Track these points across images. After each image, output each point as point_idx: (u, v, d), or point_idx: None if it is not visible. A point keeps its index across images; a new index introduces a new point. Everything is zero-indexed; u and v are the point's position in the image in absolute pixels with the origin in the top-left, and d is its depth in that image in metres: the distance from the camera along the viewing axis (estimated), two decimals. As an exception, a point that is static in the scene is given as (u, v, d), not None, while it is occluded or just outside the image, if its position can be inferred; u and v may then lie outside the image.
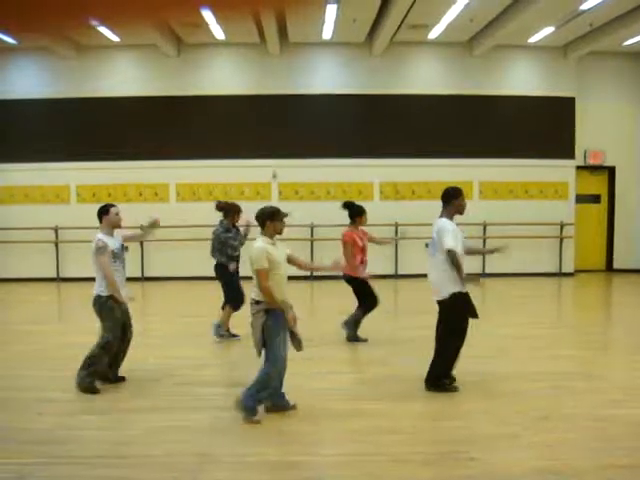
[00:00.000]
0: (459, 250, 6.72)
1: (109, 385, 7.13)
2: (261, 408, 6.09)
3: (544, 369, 7.80)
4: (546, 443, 5.47)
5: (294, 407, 6.27)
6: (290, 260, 6.29)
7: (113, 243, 7.17)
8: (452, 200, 6.87)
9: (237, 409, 5.95)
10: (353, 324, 9.20)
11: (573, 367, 7.97)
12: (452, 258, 6.59)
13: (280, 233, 6.18)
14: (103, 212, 7.23)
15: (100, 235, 7.12)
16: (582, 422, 5.99)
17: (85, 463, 5.13)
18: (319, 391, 6.96)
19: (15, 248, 16.06)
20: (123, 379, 7.33)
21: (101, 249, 6.99)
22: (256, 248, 5.98)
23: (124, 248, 7.39)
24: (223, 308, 9.46)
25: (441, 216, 6.89)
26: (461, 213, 6.94)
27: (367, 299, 9.16)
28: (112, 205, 7.34)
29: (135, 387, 7.14)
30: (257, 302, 6.01)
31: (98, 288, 7.04)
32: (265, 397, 6.04)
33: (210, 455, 5.31)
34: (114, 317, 7.03)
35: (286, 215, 6.21)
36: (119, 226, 7.29)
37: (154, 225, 7.74)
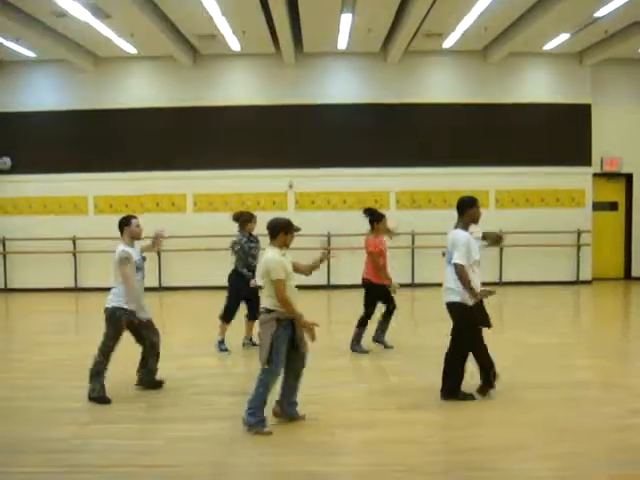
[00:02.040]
0: (470, 261, 6.74)
1: (126, 394, 7.17)
2: (270, 415, 6.12)
3: (561, 378, 7.75)
4: (563, 454, 5.43)
5: (303, 418, 6.28)
6: (294, 268, 6.31)
7: (135, 254, 7.22)
8: (467, 209, 6.88)
9: (245, 426, 5.98)
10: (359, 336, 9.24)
11: (591, 376, 7.92)
12: (459, 273, 6.60)
13: (288, 247, 6.22)
14: (124, 223, 7.27)
15: (122, 246, 7.16)
16: (600, 432, 5.95)
17: (101, 472, 5.16)
18: (336, 401, 6.96)
19: (33, 259, 16.18)
20: (161, 384, 7.42)
21: (124, 260, 7.04)
22: (272, 259, 6.00)
23: (144, 259, 7.44)
24: (221, 318, 9.56)
25: (456, 227, 6.91)
26: (476, 222, 6.95)
27: (389, 304, 9.20)
28: (133, 216, 7.38)
29: (152, 397, 7.17)
30: (269, 311, 6.04)
31: (116, 299, 7.06)
32: (263, 404, 6.04)
33: (227, 465, 5.33)
34: (119, 326, 7.04)
35: (298, 229, 6.26)
36: (139, 237, 7.33)
37: (157, 241, 7.72)
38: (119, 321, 7.01)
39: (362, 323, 9.23)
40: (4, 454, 5.57)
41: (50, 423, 6.31)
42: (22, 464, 5.33)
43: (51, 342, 10.33)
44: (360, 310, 9.24)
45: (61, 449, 5.62)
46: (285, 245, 6.18)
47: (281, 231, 6.13)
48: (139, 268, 7.21)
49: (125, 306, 7.00)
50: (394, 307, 9.25)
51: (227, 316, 9.46)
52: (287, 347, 6.03)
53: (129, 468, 5.25)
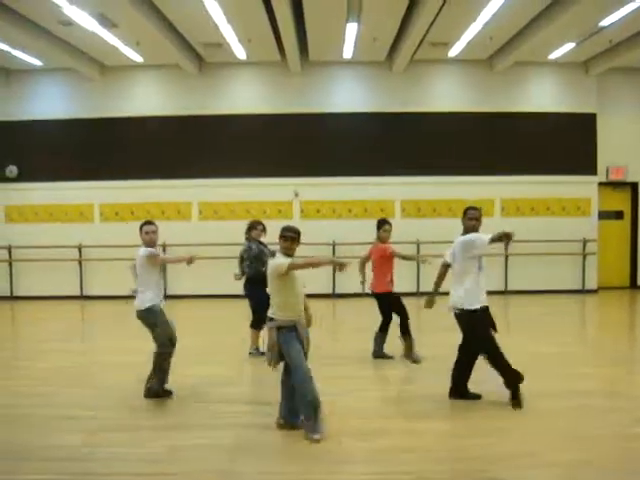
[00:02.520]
0: (446, 259, 7.27)
1: (132, 403, 7.18)
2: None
3: (567, 387, 7.74)
4: (569, 462, 5.42)
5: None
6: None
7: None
8: (463, 218, 7.21)
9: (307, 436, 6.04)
10: (380, 341, 9.25)
11: (597, 385, 7.90)
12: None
13: (288, 252, 6.23)
14: (140, 228, 7.45)
15: (143, 248, 7.32)
16: (606, 441, 5.93)
17: (108, 481, 5.16)
18: (343, 409, 6.96)
19: (39, 266, 16.22)
20: (170, 393, 7.45)
21: (151, 256, 7.21)
22: (273, 262, 6.18)
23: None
24: (252, 326, 9.60)
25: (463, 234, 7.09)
26: (470, 231, 7.06)
27: (401, 312, 9.19)
28: (148, 222, 7.53)
29: (158, 404, 7.18)
30: (271, 319, 6.18)
31: (148, 300, 7.20)
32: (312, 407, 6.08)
33: (233, 473, 5.32)
34: (163, 320, 7.24)
35: (294, 235, 6.24)
36: (151, 244, 7.39)
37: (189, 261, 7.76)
38: (160, 313, 7.27)
39: (382, 329, 9.25)
40: (8, 461, 5.58)
41: (54, 431, 6.31)
42: (26, 472, 5.33)
43: (56, 349, 10.34)
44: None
45: (65, 457, 5.63)
46: (288, 251, 6.21)
47: (280, 238, 6.25)
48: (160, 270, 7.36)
49: (153, 304, 7.23)
50: (407, 317, 9.23)
51: (256, 324, 9.54)
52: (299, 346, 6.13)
53: (134, 477, 5.25)
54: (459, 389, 7.20)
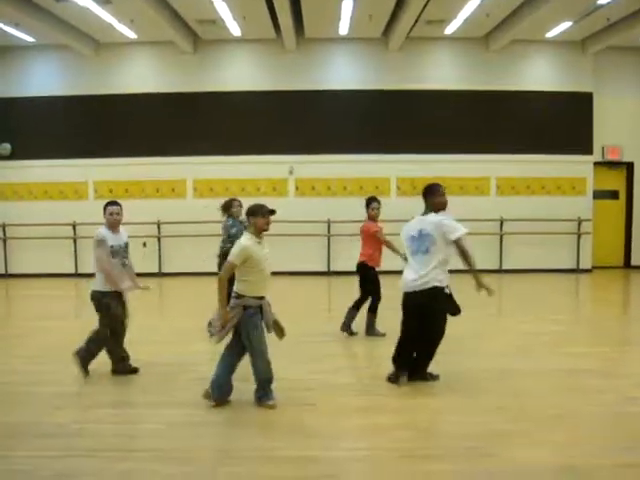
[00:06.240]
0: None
1: (125, 379, 7.19)
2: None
3: (561, 366, 7.76)
4: (561, 440, 5.44)
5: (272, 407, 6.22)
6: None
7: (114, 239, 7.17)
8: (429, 198, 6.88)
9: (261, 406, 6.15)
10: (371, 321, 9.24)
11: (590, 364, 7.92)
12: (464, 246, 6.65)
13: (263, 230, 6.18)
14: (104, 209, 7.26)
15: (101, 229, 7.13)
16: (599, 419, 5.97)
17: (99, 457, 5.16)
18: (337, 387, 6.97)
19: (34, 244, 16.19)
20: (137, 370, 7.41)
21: (98, 242, 7.02)
22: (237, 244, 6.09)
23: (126, 246, 7.35)
24: None
25: (424, 214, 6.91)
26: (440, 209, 6.84)
27: (378, 292, 9.19)
28: (111, 203, 7.27)
29: (151, 382, 7.18)
30: (239, 296, 6.11)
31: (95, 284, 7.11)
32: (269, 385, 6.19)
33: (227, 450, 5.33)
34: (110, 314, 7.10)
35: (272, 212, 6.19)
36: (114, 226, 7.19)
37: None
38: (108, 307, 7.12)
39: (370, 309, 9.27)
40: (1, 438, 5.58)
41: (48, 407, 6.31)
42: (19, 448, 5.33)
43: (50, 327, 10.35)
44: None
45: (58, 433, 5.63)
46: (259, 230, 6.14)
47: (249, 216, 6.20)
48: (116, 254, 7.14)
49: (102, 289, 7.09)
50: (379, 299, 9.21)
51: None
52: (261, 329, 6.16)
53: (126, 453, 5.26)
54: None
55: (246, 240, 6.07)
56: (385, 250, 9.15)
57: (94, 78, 16.14)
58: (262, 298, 6.15)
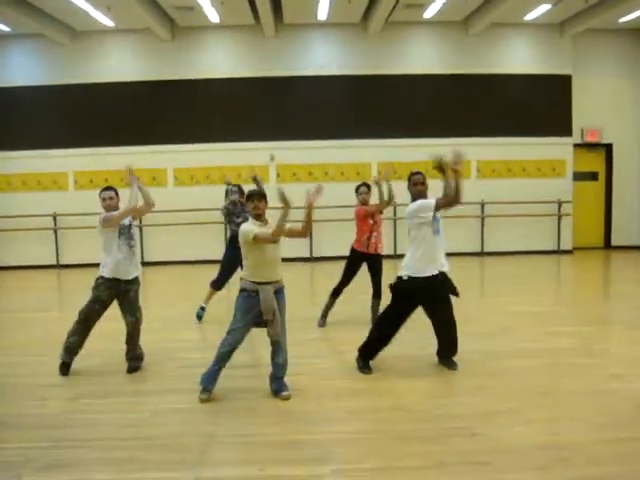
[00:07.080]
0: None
1: (113, 369, 7.17)
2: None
3: (544, 346, 7.84)
4: (546, 419, 5.52)
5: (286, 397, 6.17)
6: (291, 233, 6.35)
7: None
8: (408, 185, 6.99)
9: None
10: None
11: (573, 343, 8.00)
12: (443, 200, 6.65)
13: (257, 215, 6.17)
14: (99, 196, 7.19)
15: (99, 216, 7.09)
16: (583, 397, 6.04)
17: (89, 446, 5.15)
18: (321, 371, 7.01)
19: (14, 236, 16.05)
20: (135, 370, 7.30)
21: (102, 220, 6.93)
22: (242, 228, 6.10)
23: (131, 227, 7.28)
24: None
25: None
26: (417, 197, 6.86)
27: (346, 275, 9.18)
28: (104, 189, 7.24)
29: (139, 370, 7.17)
30: (241, 279, 6.20)
31: (101, 269, 7.03)
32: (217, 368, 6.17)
33: (215, 436, 5.34)
34: (93, 298, 6.99)
35: (260, 195, 6.25)
36: (112, 210, 7.11)
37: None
38: (97, 287, 7.00)
39: (334, 293, 9.25)
40: (-12, 430, 5.57)
41: (35, 399, 6.29)
42: (7, 440, 5.31)
43: (34, 319, 10.28)
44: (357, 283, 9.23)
45: (47, 424, 5.61)
46: (257, 210, 6.16)
47: (247, 201, 6.31)
48: (122, 233, 7.08)
49: (105, 275, 6.98)
50: (342, 283, 9.20)
51: (213, 282, 9.61)
52: (251, 317, 6.08)
53: (116, 441, 5.25)
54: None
55: (249, 224, 6.12)
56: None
57: (71, 67, 15.98)
58: (261, 284, 6.06)
